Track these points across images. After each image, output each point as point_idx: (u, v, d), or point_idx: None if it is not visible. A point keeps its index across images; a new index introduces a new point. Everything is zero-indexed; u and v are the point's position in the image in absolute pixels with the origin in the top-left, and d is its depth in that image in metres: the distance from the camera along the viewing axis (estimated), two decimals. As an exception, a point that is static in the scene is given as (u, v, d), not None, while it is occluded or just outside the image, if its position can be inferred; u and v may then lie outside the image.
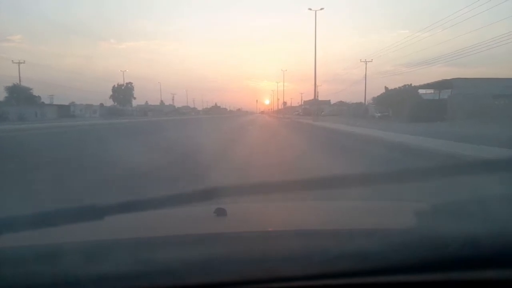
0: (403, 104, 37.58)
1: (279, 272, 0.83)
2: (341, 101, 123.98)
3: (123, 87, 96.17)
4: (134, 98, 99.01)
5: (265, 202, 2.00)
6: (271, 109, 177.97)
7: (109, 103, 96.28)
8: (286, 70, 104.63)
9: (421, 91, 47.56)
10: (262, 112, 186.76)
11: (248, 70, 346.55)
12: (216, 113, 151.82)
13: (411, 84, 47.28)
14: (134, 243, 1.08)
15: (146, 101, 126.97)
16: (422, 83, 45.16)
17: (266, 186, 1.36)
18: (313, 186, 1.45)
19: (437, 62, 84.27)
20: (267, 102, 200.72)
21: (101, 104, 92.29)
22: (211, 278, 0.81)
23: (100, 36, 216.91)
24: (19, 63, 62.21)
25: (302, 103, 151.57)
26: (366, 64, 63.87)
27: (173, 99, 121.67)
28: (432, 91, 49.41)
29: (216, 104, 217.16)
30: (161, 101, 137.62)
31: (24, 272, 0.83)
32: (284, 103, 73.25)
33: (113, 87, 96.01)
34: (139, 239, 1.13)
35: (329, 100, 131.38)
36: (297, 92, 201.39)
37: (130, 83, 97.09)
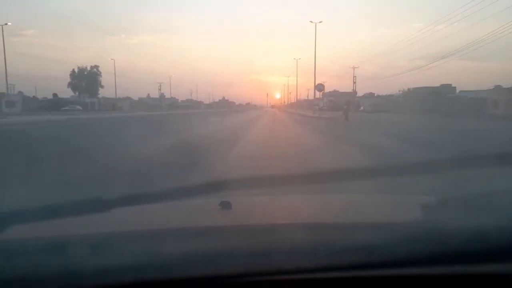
0: None
1: (284, 265, 0.82)
2: (370, 92, 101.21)
3: (85, 73, 72.85)
4: (102, 87, 75.72)
5: (270, 196, 2.00)
6: (283, 103, 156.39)
7: (69, 93, 73.37)
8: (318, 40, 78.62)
9: None
10: (273, 106, 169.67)
11: (259, 64, 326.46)
12: (222, 107, 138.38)
13: None
14: (140, 235, 1.07)
15: (148, 94, 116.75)
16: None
17: (272, 179, 1.44)
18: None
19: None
20: (277, 96, 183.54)
21: (55, 94, 69.22)
22: (216, 271, 0.80)
23: (109, 31, 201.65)
24: None
25: (321, 96, 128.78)
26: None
27: (159, 89, 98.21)
28: None
29: (224, 98, 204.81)
30: (162, 93, 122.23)
31: (32, 264, 0.83)
32: (320, 85, 42.80)
33: (72, 72, 72.77)
34: (144, 232, 1.12)
35: (355, 92, 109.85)
36: (306, 87, 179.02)
37: (96, 66, 74.06)
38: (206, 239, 0.99)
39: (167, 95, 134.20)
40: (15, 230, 1.13)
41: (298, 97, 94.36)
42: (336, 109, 65.44)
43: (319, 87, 42.13)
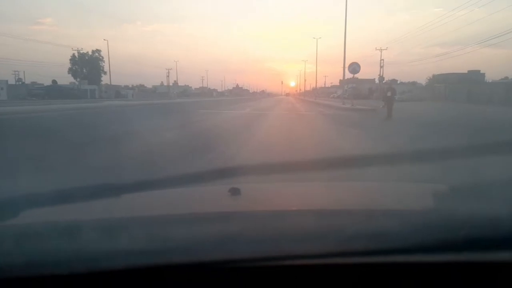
0: None
1: (293, 250, 0.82)
2: (393, 79, 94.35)
3: (86, 58, 67.82)
4: (104, 73, 70.57)
5: (280, 182, 1.97)
6: (298, 90, 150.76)
7: (70, 79, 68.64)
8: (320, 38, 69.75)
9: None
10: (288, 94, 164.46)
11: (273, 52, 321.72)
12: (235, 95, 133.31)
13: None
14: (150, 220, 1.09)
15: (162, 82, 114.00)
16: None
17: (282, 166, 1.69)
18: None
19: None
20: (292, 84, 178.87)
21: (54, 81, 64.53)
22: (225, 255, 0.81)
23: (125, 18, 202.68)
24: None
25: (339, 83, 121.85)
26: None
27: (168, 75, 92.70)
28: None
29: (237, 85, 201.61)
30: (174, 81, 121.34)
31: (44, 248, 0.85)
32: (355, 64, 26.02)
33: (72, 57, 67.70)
34: (155, 217, 1.14)
35: (374, 79, 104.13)
36: (322, 75, 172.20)
37: (98, 51, 68.50)
38: (216, 224, 0.99)
39: (181, 83, 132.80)
40: (26, 215, 1.15)
41: (316, 83, 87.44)
42: (359, 97, 58.70)
43: (354, 67, 26.53)
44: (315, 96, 66.54)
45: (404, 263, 0.81)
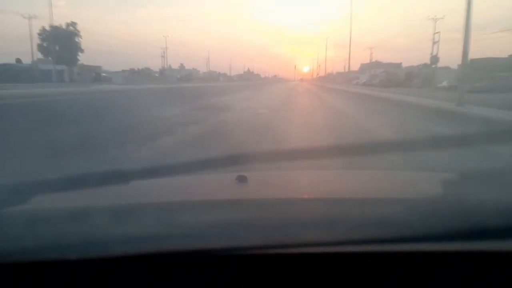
0: None
1: (300, 238, 0.82)
2: (425, 63, 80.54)
3: (60, 32, 55.28)
4: (82, 51, 58.25)
5: (287, 170, 1.99)
6: (316, 75, 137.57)
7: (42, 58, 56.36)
8: None
9: None
10: (301, 80, 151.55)
11: (287, 36, 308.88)
12: (245, 79, 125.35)
13: None
14: (159, 207, 1.10)
15: (170, 65, 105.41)
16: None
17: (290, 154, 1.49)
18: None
19: None
20: (305, 69, 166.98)
21: (18, 60, 52.34)
22: (232, 242, 0.81)
23: (138, 3, 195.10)
24: None
25: (360, 68, 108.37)
26: None
27: (163, 56, 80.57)
28: None
29: (248, 70, 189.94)
30: (181, 64, 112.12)
31: (55, 233, 0.86)
32: None
33: (42, 30, 55.31)
34: (163, 204, 1.16)
35: (401, 63, 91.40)
36: (340, 60, 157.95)
37: (73, 24, 56.36)
38: (223, 211, 1.01)
39: (189, 67, 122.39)
40: (37, 200, 1.16)
41: (350, 58, 73.37)
42: (391, 85, 45.28)
43: None
44: (346, 83, 52.19)
45: (412, 252, 0.80)
